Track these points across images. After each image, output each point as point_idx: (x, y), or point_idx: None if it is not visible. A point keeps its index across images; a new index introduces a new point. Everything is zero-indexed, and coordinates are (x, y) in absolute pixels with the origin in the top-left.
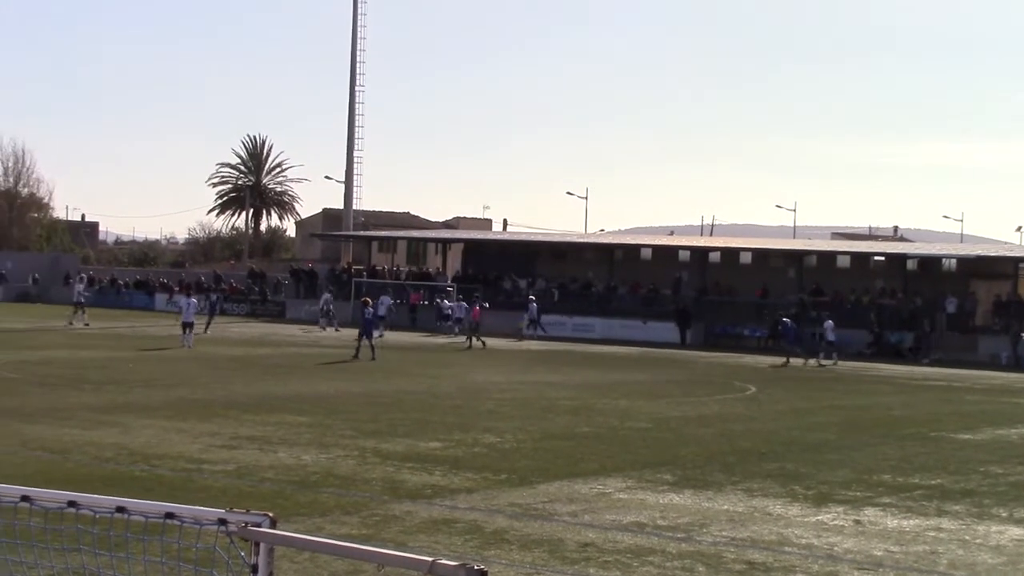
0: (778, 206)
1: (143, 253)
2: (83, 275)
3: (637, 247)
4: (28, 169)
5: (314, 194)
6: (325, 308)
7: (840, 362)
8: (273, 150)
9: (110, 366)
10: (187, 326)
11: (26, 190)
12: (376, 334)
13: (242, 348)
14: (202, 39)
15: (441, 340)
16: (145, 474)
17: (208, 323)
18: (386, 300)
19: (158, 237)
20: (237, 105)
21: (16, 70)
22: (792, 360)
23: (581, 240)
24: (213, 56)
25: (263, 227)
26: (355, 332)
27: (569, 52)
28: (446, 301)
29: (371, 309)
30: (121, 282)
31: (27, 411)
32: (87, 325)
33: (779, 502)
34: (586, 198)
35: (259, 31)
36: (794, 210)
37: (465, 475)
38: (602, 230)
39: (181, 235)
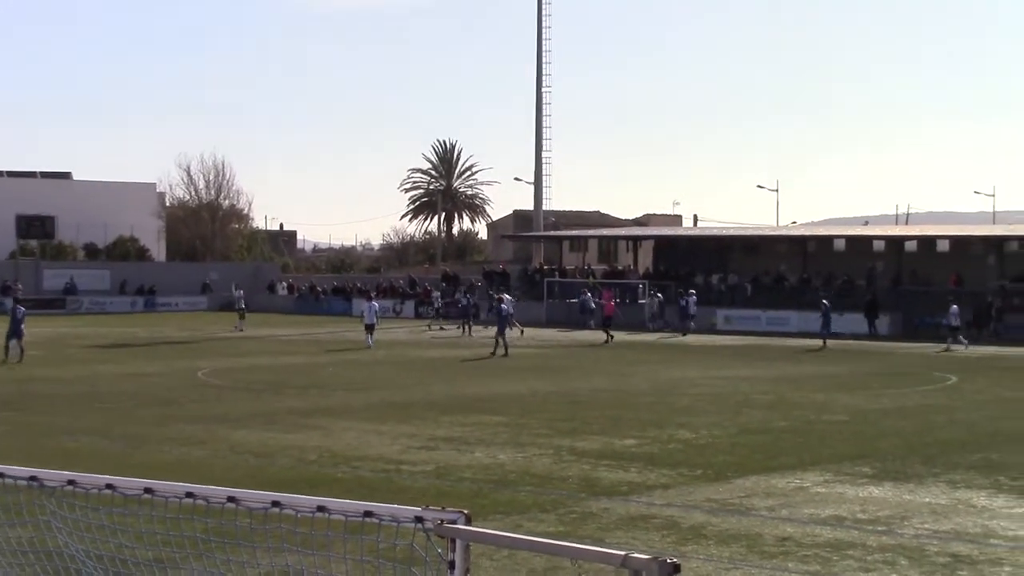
0: (976, 192)
1: (340, 260)
2: (238, 284)
3: (830, 238)
4: (228, 181)
5: (505, 196)
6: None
7: None
8: (463, 154)
9: (311, 371)
10: (369, 328)
11: (227, 202)
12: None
13: (438, 350)
14: (388, 46)
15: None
16: (347, 475)
17: (465, 326)
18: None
19: (354, 244)
20: (426, 110)
21: (213, 85)
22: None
23: (773, 233)
24: (400, 63)
25: (455, 230)
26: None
27: (755, 43)
28: (588, 294)
29: (505, 306)
30: (319, 289)
31: (233, 416)
32: (241, 331)
33: (983, 493)
34: (777, 191)
35: (443, 34)
36: (993, 195)
37: (661, 471)
38: (794, 222)
39: (376, 241)
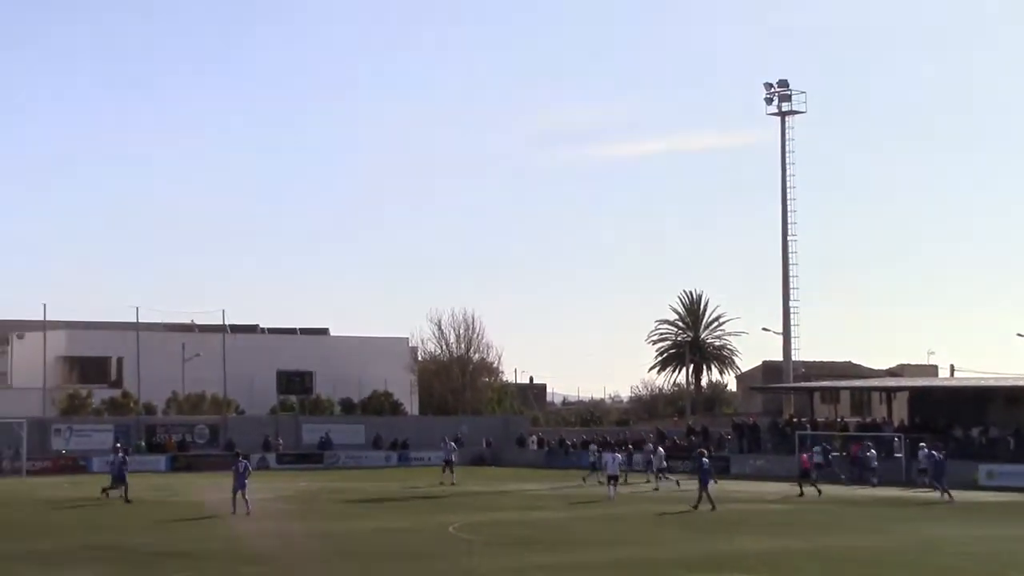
0: None
1: (589, 412)
2: (452, 437)
3: None
4: (478, 335)
5: (753, 346)
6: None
7: None
8: (710, 304)
9: (559, 525)
10: (612, 479)
11: (477, 356)
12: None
13: (678, 504)
14: (629, 201)
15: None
16: None
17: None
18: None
19: (602, 396)
20: (671, 261)
21: (463, 241)
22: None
23: None
24: (641, 216)
25: (704, 382)
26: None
27: (1006, 191)
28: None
29: (706, 461)
30: (568, 442)
31: (481, 573)
32: (454, 484)
33: None
34: None
35: (687, 186)
36: None
37: None
38: None
39: (624, 393)
